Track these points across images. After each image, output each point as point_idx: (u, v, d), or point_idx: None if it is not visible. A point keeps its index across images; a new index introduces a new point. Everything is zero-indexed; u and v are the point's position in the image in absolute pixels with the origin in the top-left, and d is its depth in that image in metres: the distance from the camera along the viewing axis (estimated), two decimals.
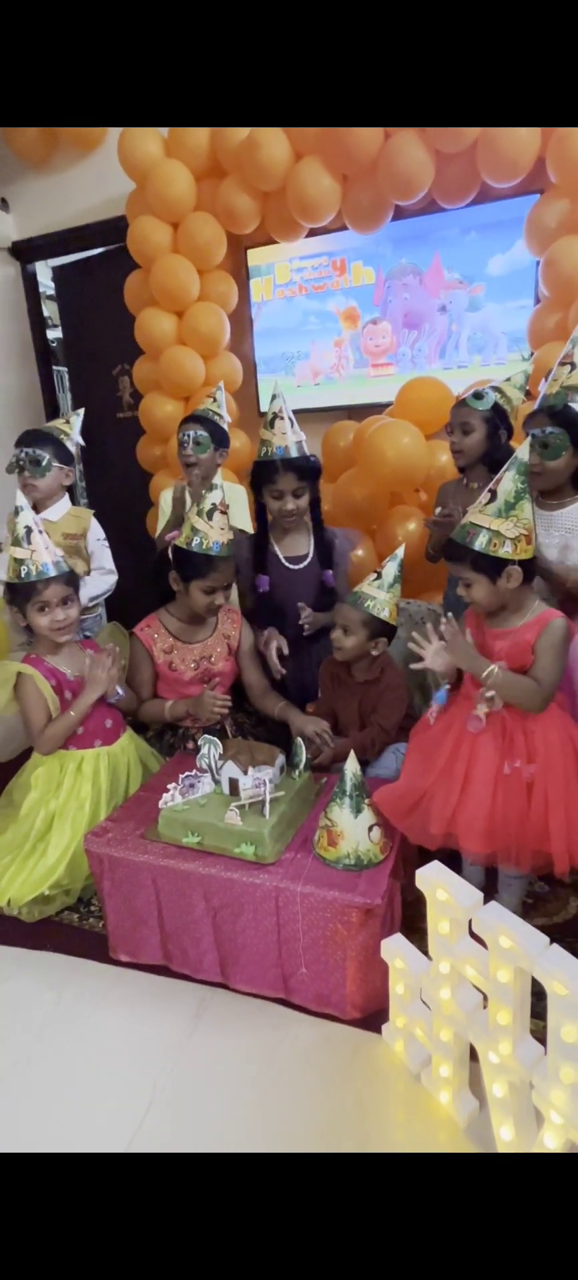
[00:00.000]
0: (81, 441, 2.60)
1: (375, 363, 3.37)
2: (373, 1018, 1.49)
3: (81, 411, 2.65)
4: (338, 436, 3.28)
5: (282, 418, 2.16)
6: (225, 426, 2.64)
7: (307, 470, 2.19)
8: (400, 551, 1.97)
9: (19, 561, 1.91)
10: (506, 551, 1.49)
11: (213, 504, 2.03)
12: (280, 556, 2.30)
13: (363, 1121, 1.31)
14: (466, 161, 2.77)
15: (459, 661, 1.58)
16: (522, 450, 1.50)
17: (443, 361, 3.24)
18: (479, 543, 1.50)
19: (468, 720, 1.56)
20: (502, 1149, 1.17)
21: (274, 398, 2.19)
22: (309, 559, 2.30)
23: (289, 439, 2.15)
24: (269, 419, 2.19)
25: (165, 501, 2.67)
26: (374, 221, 3.03)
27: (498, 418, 2.12)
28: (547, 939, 1.05)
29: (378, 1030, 1.47)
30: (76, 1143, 1.31)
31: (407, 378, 3.21)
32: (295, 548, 2.32)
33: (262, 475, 2.22)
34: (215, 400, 2.67)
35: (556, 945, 1.04)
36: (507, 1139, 1.16)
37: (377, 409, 3.24)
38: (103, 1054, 1.51)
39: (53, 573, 1.92)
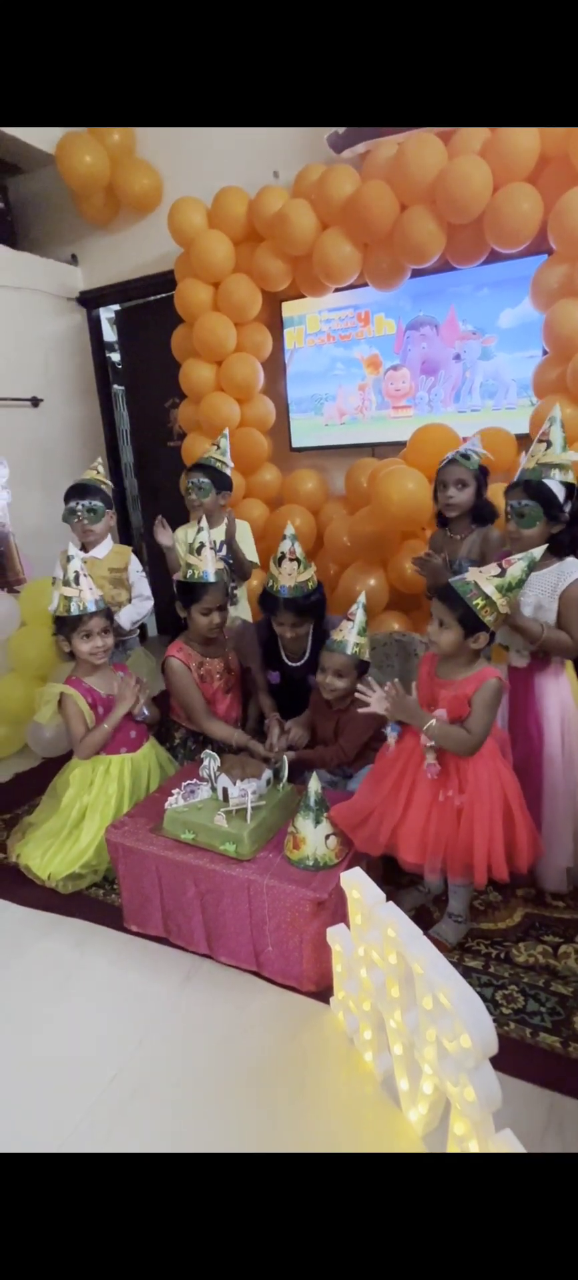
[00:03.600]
0: (111, 484, 3.06)
1: (396, 405, 3.67)
2: (326, 991, 1.82)
3: (100, 458, 3.13)
4: (360, 473, 3.58)
5: (291, 559, 2.35)
6: (228, 472, 3.04)
7: (306, 609, 2.39)
8: (363, 597, 2.28)
9: (68, 599, 2.34)
10: (490, 620, 1.75)
11: (201, 542, 2.46)
12: (283, 654, 2.59)
13: (304, 1072, 1.65)
14: (474, 230, 3.03)
15: (403, 717, 1.84)
16: (538, 550, 1.77)
17: (457, 405, 3.50)
18: (475, 603, 1.74)
19: (426, 770, 1.85)
20: (401, 1096, 1.49)
21: (285, 538, 2.38)
22: (304, 662, 2.56)
23: (294, 579, 2.35)
24: (278, 557, 2.38)
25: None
26: (392, 281, 3.34)
27: (482, 475, 2.39)
28: (420, 932, 1.35)
29: (328, 1002, 1.80)
30: (84, 1063, 1.71)
31: (424, 419, 3.49)
32: (295, 648, 2.57)
33: (266, 604, 2.45)
34: (219, 447, 3.07)
35: (425, 938, 1.34)
36: (404, 1088, 1.48)
37: (398, 446, 3.53)
38: (111, 1001, 1.91)
39: (94, 608, 2.35)
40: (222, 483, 2.99)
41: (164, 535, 3.02)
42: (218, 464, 3.02)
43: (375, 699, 1.88)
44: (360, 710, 1.91)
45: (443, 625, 1.79)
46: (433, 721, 1.79)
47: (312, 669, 2.51)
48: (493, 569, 1.77)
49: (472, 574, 1.79)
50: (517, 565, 1.74)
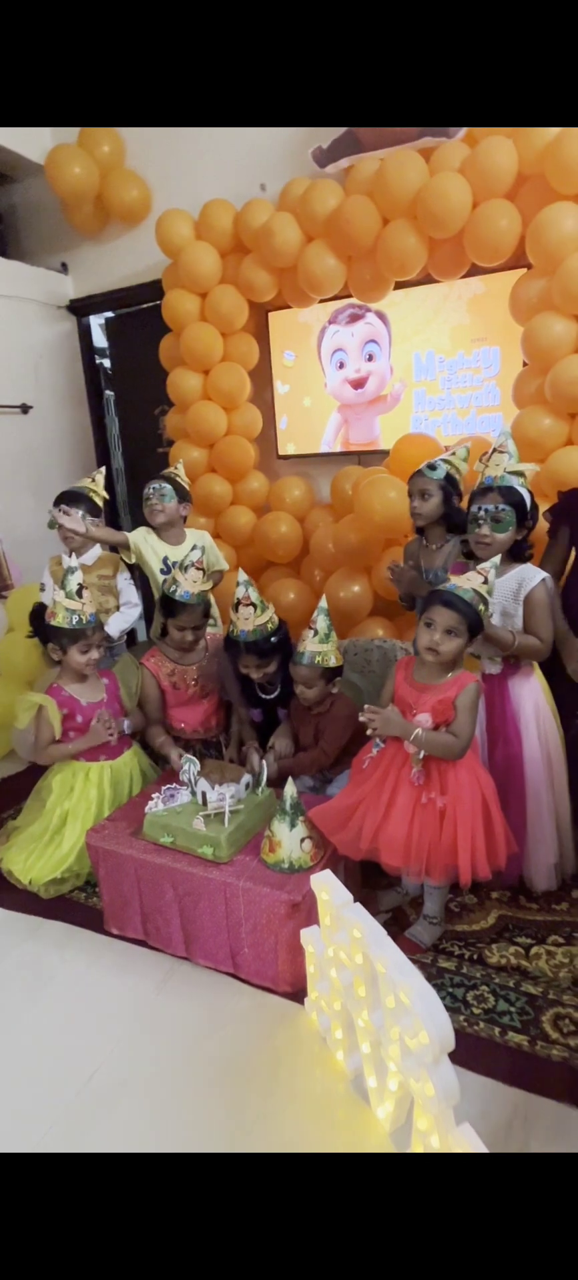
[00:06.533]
0: (106, 495, 3.08)
1: (382, 413, 3.71)
2: (300, 992, 1.85)
3: (103, 469, 3.15)
4: (345, 480, 3.60)
5: (247, 605, 2.38)
6: (186, 486, 3.09)
7: (267, 650, 2.41)
8: (324, 602, 2.32)
9: (71, 611, 2.35)
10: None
11: (191, 561, 2.49)
12: (257, 689, 2.60)
13: (278, 1071, 1.69)
14: (454, 245, 3.08)
15: (390, 732, 1.88)
16: (498, 557, 1.90)
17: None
18: (480, 608, 1.84)
19: (413, 777, 1.87)
20: (370, 1093, 1.52)
21: (239, 584, 2.40)
22: (276, 694, 2.58)
23: (252, 623, 2.37)
24: (235, 603, 2.40)
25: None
26: (376, 294, 3.38)
27: (450, 484, 2.43)
28: (385, 932, 1.39)
29: (302, 1002, 1.84)
30: (62, 1063, 1.74)
31: (410, 428, 3.55)
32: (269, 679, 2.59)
33: (230, 649, 2.48)
34: (177, 468, 3.14)
35: (388, 938, 1.37)
36: (373, 1085, 1.52)
37: (382, 455, 3.58)
38: (90, 1002, 1.94)
39: (95, 622, 2.40)
40: (182, 492, 3.03)
41: (75, 522, 2.84)
42: (176, 477, 3.06)
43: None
44: (369, 733, 1.93)
45: (451, 633, 1.84)
46: (419, 731, 1.83)
47: (284, 700, 2.54)
48: (477, 577, 1.86)
49: (463, 583, 1.86)
50: (491, 572, 1.85)
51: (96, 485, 3.00)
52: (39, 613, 2.42)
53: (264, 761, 2.22)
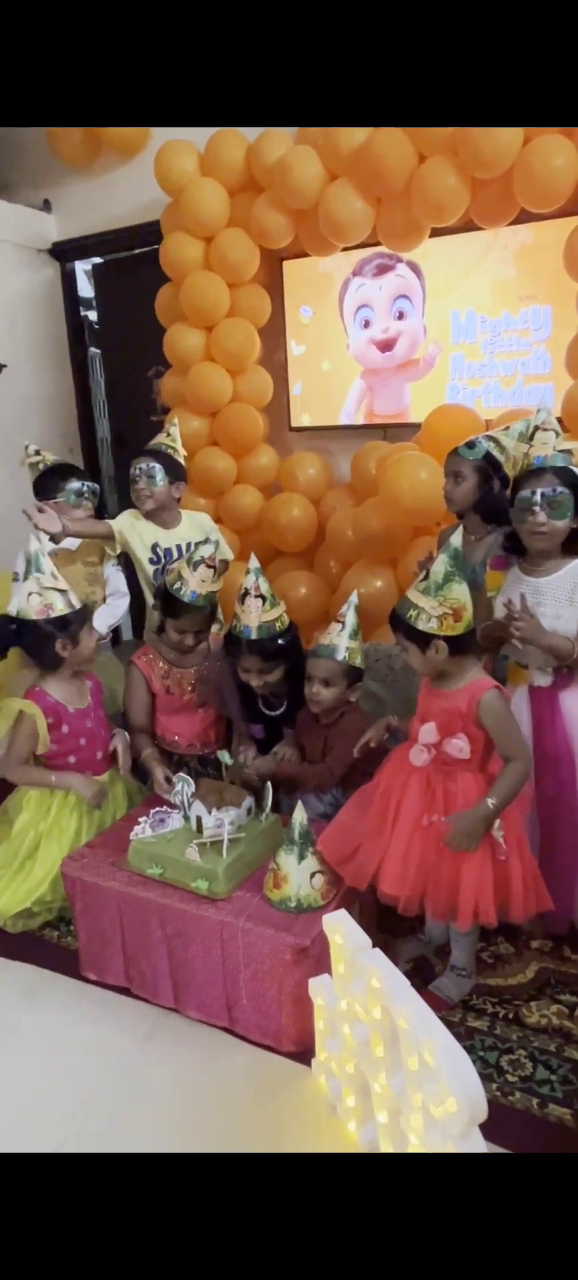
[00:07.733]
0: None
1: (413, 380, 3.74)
2: (308, 1052, 1.86)
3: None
4: (368, 458, 3.62)
5: (256, 595, 2.41)
6: (180, 459, 3.05)
7: (272, 652, 2.44)
8: (354, 597, 2.36)
9: (62, 591, 2.38)
10: (431, 627, 1.87)
11: (201, 556, 2.50)
12: (260, 704, 2.65)
13: (280, 1144, 1.68)
14: (501, 186, 3.09)
15: (478, 836, 1.83)
16: (456, 537, 1.88)
17: None
18: (409, 616, 1.90)
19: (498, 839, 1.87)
20: None
21: (248, 573, 2.44)
22: (282, 711, 2.62)
23: (259, 618, 2.40)
24: (242, 594, 2.44)
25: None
26: (409, 242, 3.41)
27: (490, 467, 2.43)
28: (408, 983, 1.40)
29: (309, 1064, 1.85)
30: (26, 1132, 1.74)
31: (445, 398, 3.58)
32: (273, 692, 2.63)
33: (230, 648, 2.51)
34: (170, 435, 3.09)
35: (411, 989, 1.39)
36: None
37: (412, 429, 3.60)
38: (62, 1059, 1.95)
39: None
40: (175, 470, 2.97)
41: (50, 521, 2.75)
42: (169, 450, 3.01)
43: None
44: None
45: (405, 649, 1.97)
46: (490, 802, 1.83)
47: (290, 719, 2.56)
48: (420, 577, 1.94)
49: (407, 591, 1.96)
50: (437, 563, 1.88)
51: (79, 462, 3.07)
52: (15, 622, 2.39)
53: (268, 784, 2.23)
